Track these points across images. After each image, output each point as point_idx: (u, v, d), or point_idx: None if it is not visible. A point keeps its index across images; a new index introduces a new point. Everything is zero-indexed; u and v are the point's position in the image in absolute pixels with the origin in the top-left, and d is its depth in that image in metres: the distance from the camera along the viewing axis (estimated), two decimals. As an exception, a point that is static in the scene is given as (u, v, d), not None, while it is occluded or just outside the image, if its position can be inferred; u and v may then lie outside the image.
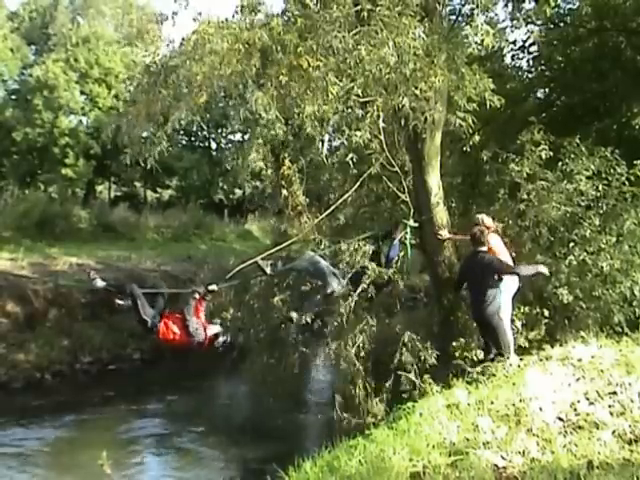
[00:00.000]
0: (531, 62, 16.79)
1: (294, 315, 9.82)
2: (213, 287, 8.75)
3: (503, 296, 8.69)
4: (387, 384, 9.69)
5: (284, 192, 10.30)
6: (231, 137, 36.80)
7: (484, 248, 8.53)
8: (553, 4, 12.18)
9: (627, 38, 14.95)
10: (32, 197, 27.12)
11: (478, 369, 8.59)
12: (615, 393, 6.79)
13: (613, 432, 5.80)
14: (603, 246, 9.52)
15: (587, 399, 6.72)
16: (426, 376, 8.68)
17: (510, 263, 8.77)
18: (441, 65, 8.67)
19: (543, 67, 16.71)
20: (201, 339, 8.48)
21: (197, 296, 8.56)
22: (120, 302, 8.74)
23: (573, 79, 15.28)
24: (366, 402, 9.63)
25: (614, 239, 9.81)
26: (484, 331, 8.59)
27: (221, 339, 8.66)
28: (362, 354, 10.48)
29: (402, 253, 9.98)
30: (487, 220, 9.17)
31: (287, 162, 10.21)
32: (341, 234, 10.45)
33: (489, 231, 8.96)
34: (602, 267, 9.55)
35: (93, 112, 31.37)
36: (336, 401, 9.72)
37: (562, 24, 16.11)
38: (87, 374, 17.54)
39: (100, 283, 8.79)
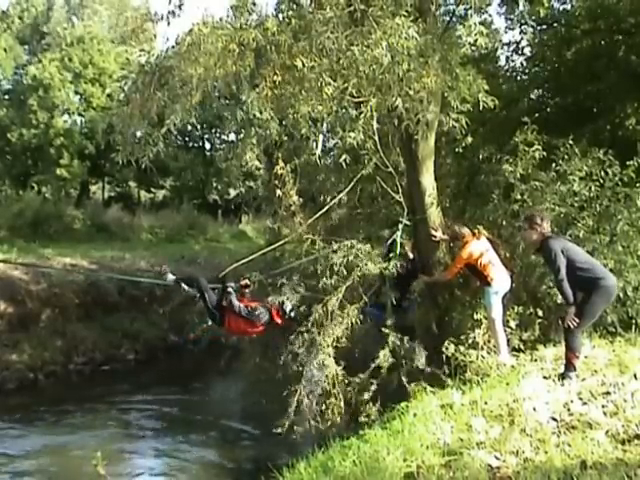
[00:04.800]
0: (525, 63, 16.85)
1: None
2: (245, 282, 9.10)
3: (493, 297, 8.73)
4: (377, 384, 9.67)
5: (277, 192, 10.28)
6: (225, 137, 36.81)
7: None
8: (546, 5, 12.22)
9: (621, 38, 15.00)
10: (26, 197, 27.09)
11: (472, 369, 8.63)
12: (609, 393, 6.82)
13: (606, 432, 5.82)
14: (597, 246, 9.54)
15: (580, 399, 6.75)
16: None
17: (492, 268, 8.88)
18: (435, 66, 8.66)
19: (537, 68, 16.75)
20: (266, 319, 8.68)
21: (231, 290, 8.75)
22: (186, 288, 8.93)
23: (567, 80, 15.31)
24: (358, 402, 9.61)
25: (607, 239, 9.83)
26: None
27: (288, 307, 8.76)
28: (356, 354, 10.51)
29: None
30: (458, 228, 9.34)
31: (280, 162, 10.18)
32: (335, 234, 10.44)
33: (465, 240, 9.08)
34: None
35: (87, 112, 31.34)
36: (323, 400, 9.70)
37: (556, 25, 16.15)
38: (81, 374, 17.53)
39: (171, 277, 9.02)
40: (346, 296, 9.64)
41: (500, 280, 8.83)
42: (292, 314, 8.87)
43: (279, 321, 8.81)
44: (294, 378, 9.73)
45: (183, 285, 8.89)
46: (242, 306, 8.61)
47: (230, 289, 8.73)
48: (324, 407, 9.54)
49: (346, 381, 9.57)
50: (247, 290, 9.10)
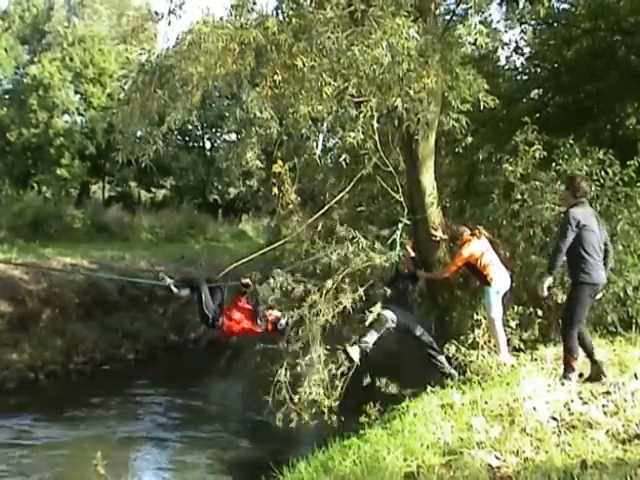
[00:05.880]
0: (525, 63, 16.84)
1: None
2: (247, 281, 9.17)
3: (492, 297, 8.72)
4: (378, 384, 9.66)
5: (275, 190, 10.28)
6: (226, 137, 36.81)
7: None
8: (547, 4, 12.21)
9: (621, 38, 14.99)
10: (26, 197, 27.08)
11: (472, 369, 8.64)
12: (609, 393, 6.83)
13: (607, 432, 5.83)
14: (597, 246, 9.55)
15: (581, 399, 6.76)
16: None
17: (492, 268, 8.89)
18: (435, 66, 8.66)
19: (537, 68, 16.75)
20: (263, 328, 8.87)
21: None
22: (175, 290, 8.89)
23: (567, 79, 15.30)
24: (359, 401, 9.61)
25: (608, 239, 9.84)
26: None
27: (283, 321, 8.95)
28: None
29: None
30: (457, 228, 9.43)
31: (279, 161, 10.18)
32: (335, 234, 10.42)
33: (465, 239, 9.09)
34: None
35: (88, 112, 31.34)
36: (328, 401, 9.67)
37: (556, 24, 16.14)
38: (81, 374, 17.52)
39: (169, 280, 8.97)
40: (344, 283, 9.63)
41: (500, 280, 8.82)
42: (283, 331, 9.12)
43: (269, 329, 9.00)
44: (294, 375, 9.73)
45: (174, 288, 8.90)
46: (262, 307, 8.81)
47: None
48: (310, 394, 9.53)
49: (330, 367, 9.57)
50: (248, 289, 9.16)
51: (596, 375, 7.36)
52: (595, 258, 7.36)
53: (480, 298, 9.38)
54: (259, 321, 8.73)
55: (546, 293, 7.61)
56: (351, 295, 9.45)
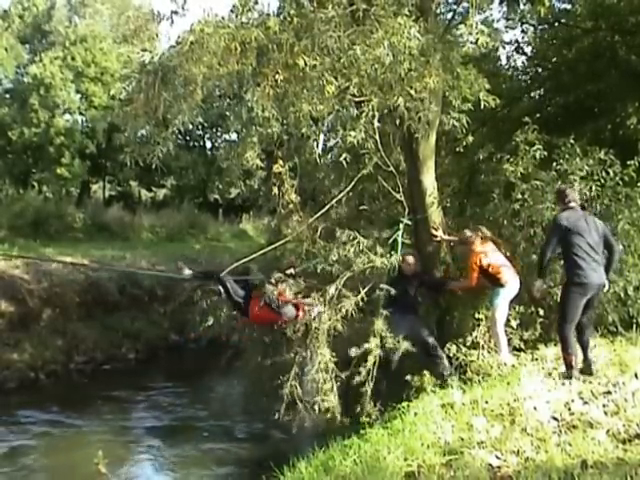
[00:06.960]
0: (526, 62, 16.87)
1: None
2: (290, 271, 9.53)
3: (502, 299, 8.74)
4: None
5: (275, 190, 10.29)
6: (227, 137, 36.77)
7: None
8: (547, 4, 12.22)
9: (622, 38, 15.00)
10: (27, 197, 27.06)
11: (473, 368, 8.65)
12: (609, 392, 6.84)
13: (607, 431, 5.83)
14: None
15: (581, 398, 6.76)
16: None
17: (504, 270, 8.95)
18: (436, 65, 8.66)
19: (538, 67, 16.77)
20: (292, 315, 9.13)
21: (273, 281, 9.19)
22: (222, 288, 9.18)
23: (568, 79, 15.32)
24: (360, 402, 9.60)
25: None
26: None
27: (315, 310, 9.09)
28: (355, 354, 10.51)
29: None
30: (466, 233, 9.47)
31: (279, 160, 10.19)
32: (336, 234, 10.42)
33: (473, 246, 9.15)
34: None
35: (88, 111, 31.33)
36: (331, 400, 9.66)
37: (557, 24, 16.16)
38: (81, 374, 17.50)
39: (187, 272, 9.20)
40: (346, 286, 9.63)
41: (512, 282, 8.86)
42: (314, 316, 9.19)
43: (300, 316, 9.20)
44: (294, 374, 9.73)
45: (220, 288, 9.11)
46: (276, 299, 8.96)
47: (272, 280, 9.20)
48: (319, 398, 9.52)
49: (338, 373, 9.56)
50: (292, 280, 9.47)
51: (586, 369, 7.61)
52: (585, 259, 7.54)
53: (483, 299, 9.38)
54: (281, 313, 8.96)
55: (538, 295, 8.27)
56: (353, 298, 9.46)
